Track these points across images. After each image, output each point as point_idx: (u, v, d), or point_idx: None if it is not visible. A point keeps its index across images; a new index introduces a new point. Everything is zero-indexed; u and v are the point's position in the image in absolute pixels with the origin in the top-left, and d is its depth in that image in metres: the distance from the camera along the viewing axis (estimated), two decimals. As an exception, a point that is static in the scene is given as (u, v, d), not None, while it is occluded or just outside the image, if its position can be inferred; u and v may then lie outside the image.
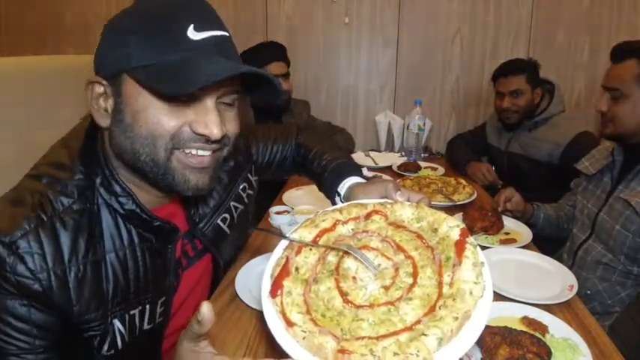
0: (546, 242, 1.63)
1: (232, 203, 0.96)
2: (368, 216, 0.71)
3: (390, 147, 2.59)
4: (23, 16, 2.69)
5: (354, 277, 0.61)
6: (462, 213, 1.45)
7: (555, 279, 1.11)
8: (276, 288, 0.60)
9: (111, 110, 0.69)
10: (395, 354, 0.49)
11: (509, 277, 1.10)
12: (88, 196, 0.71)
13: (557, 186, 1.68)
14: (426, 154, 2.47)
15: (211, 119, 0.67)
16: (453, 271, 0.58)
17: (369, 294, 0.59)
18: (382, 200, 0.75)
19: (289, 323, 0.55)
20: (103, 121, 0.70)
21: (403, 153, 2.40)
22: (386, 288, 0.59)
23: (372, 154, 2.35)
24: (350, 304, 0.57)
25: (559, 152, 1.88)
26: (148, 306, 0.78)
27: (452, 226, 0.64)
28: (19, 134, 1.13)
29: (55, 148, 0.77)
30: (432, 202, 1.54)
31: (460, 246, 0.61)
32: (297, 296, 0.59)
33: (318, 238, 0.67)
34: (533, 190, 1.96)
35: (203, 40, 0.65)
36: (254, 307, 0.95)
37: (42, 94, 1.24)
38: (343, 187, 0.92)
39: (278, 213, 1.44)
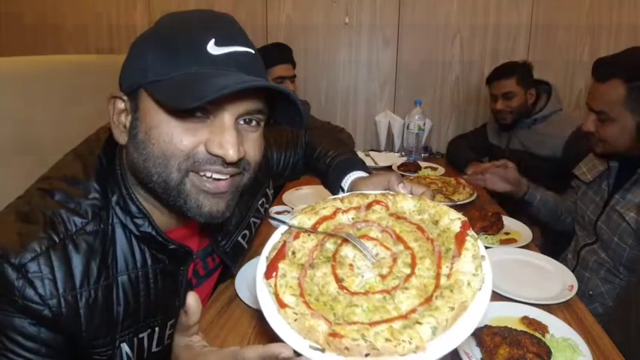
0: (548, 242, 1.63)
1: (252, 219, 0.95)
2: (369, 206, 0.70)
3: (390, 147, 2.59)
4: (23, 16, 2.69)
5: (350, 265, 0.61)
6: (461, 213, 1.45)
7: (555, 279, 1.10)
8: (271, 270, 0.59)
9: (128, 126, 0.67)
10: (387, 340, 0.48)
11: (509, 277, 1.10)
12: (103, 217, 0.68)
13: (560, 181, 1.68)
14: (426, 154, 2.47)
15: (227, 138, 0.63)
16: (452, 263, 0.58)
17: (365, 281, 0.59)
18: (384, 192, 0.75)
19: (282, 304, 0.55)
20: (122, 138, 0.68)
21: (403, 153, 2.40)
22: (383, 277, 0.59)
23: (372, 154, 2.35)
24: (345, 290, 0.57)
25: (561, 146, 1.90)
26: (157, 328, 0.77)
27: (453, 218, 0.65)
28: (19, 134, 1.13)
29: (68, 160, 0.73)
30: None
31: (460, 238, 0.62)
32: (292, 279, 0.58)
33: (317, 225, 0.67)
34: None
35: (224, 55, 0.63)
36: (254, 307, 0.95)
37: (42, 94, 1.24)
38: (347, 182, 0.91)
39: (278, 213, 1.44)
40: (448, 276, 0.56)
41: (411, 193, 0.74)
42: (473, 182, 1.79)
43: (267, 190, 1.02)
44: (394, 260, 0.61)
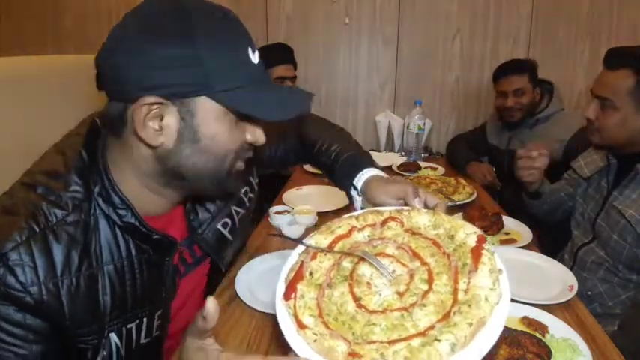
0: (547, 242, 1.63)
1: (234, 208, 0.95)
2: (384, 223, 0.71)
3: (390, 147, 2.59)
4: (23, 16, 2.69)
5: (368, 283, 0.61)
6: (461, 213, 1.45)
7: (555, 279, 1.10)
8: (289, 291, 0.61)
9: (175, 130, 0.67)
10: (406, 358, 0.49)
11: (510, 277, 1.10)
12: (84, 208, 0.69)
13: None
14: (426, 154, 2.47)
15: (260, 130, 0.75)
16: (469, 277, 0.57)
17: (383, 299, 0.59)
18: (399, 207, 0.76)
19: (301, 325, 0.55)
20: (157, 140, 0.67)
21: (403, 153, 2.40)
22: (400, 294, 0.59)
23: (372, 154, 2.33)
24: (363, 309, 0.57)
25: (562, 147, 1.89)
26: (145, 319, 0.77)
27: (469, 232, 0.65)
28: (19, 134, 1.13)
29: (50, 154, 0.74)
30: None
31: (477, 252, 0.62)
32: (310, 300, 0.59)
33: (333, 244, 0.68)
34: None
35: (259, 63, 0.71)
36: (254, 307, 0.95)
37: (42, 94, 1.24)
38: (360, 180, 0.92)
39: (278, 213, 1.44)
40: (465, 291, 0.56)
41: (426, 205, 0.77)
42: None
43: (251, 179, 1.01)
44: (411, 277, 0.61)
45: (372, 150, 2.50)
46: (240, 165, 0.76)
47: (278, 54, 2.12)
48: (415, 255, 0.64)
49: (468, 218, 1.38)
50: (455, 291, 0.57)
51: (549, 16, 2.48)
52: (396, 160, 2.23)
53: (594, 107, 1.26)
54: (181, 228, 0.86)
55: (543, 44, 2.51)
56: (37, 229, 0.64)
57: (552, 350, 0.79)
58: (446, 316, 0.53)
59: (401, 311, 0.56)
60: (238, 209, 0.96)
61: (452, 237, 0.66)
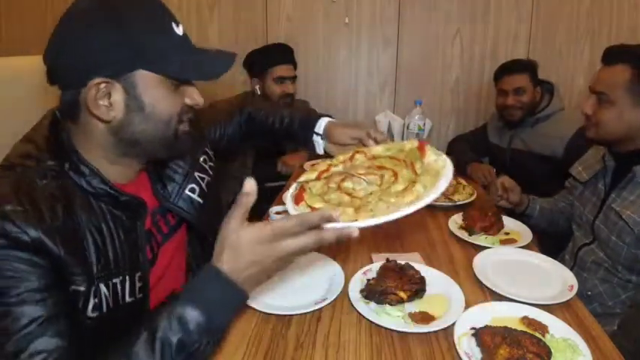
0: (547, 242, 1.63)
1: (197, 174, 1.02)
2: (351, 157, 0.95)
3: (390, 147, 2.59)
4: (23, 16, 2.69)
5: (353, 189, 0.83)
6: (462, 213, 1.45)
7: (555, 279, 1.11)
8: (298, 199, 0.81)
9: (122, 103, 0.76)
10: (397, 193, 0.76)
11: (509, 277, 1.11)
12: (60, 178, 0.76)
13: (560, 181, 1.68)
14: (426, 154, 2.46)
15: (197, 93, 0.85)
16: (422, 162, 0.85)
17: (367, 189, 0.82)
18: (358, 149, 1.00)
19: (314, 210, 0.76)
20: (108, 116, 0.76)
21: (403, 153, 2.40)
22: (378, 185, 0.82)
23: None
24: (356, 198, 0.79)
25: (562, 146, 1.90)
26: (127, 278, 0.82)
27: (412, 143, 0.92)
28: (19, 134, 1.13)
29: (20, 144, 0.81)
30: (432, 202, 1.54)
31: (421, 148, 0.89)
32: (316, 200, 0.80)
33: (319, 176, 0.91)
34: (537, 187, 1.98)
35: (184, 34, 0.80)
36: (254, 307, 0.95)
37: (42, 94, 1.24)
38: (320, 127, 1.17)
39: (278, 213, 1.44)
40: (421, 168, 0.83)
41: (376, 141, 1.03)
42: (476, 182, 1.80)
43: (207, 149, 1.11)
44: (381, 177, 0.84)
45: (372, 150, 2.50)
46: (184, 126, 0.85)
47: (278, 54, 2.12)
48: (380, 168, 0.88)
49: (468, 218, 1.38)
50: (414, 172, 0.83)
51: (549, 16, 2.48)
52: (396, 160, 2.23)
53: (591, 102, 1.27)
54: (151, 197, 0.93)
55: (543, 44, 2.51)
56: (23, 190, 0.71)
57: (552, 350, 0.79)
58: (414, 181, 0.80)
59: (382, 191, 0.79)
60: (202, 175, 1.04)
61: (401, 150, 0.93)
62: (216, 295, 0.66)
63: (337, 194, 0.81)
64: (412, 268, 1.03)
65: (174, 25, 0.78)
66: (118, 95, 0.75)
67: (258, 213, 1.55)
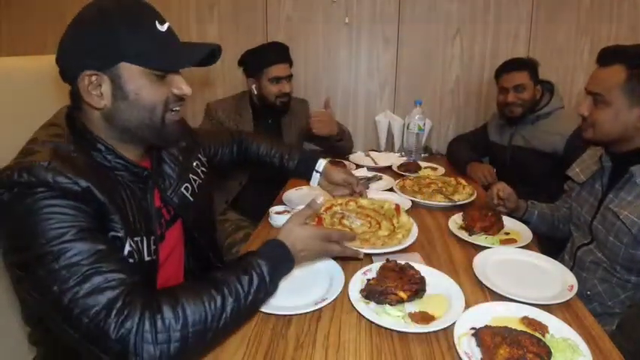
0: (547, 243, 1.63)
1: (191, 175, 1.15)
2: (347, 203, 1.44)
3: (390, 147, 2.59)
4: (23, 16, 2.69)
5: (350, 226, 1.31)
6: (462, 213, 1.45)
7: (555, 279, 1.11)
8: (318, 224, 1.28)
9: (110, 92, 0.86)
10: (384, 240, 1.23)
11: (510, 277, 1.11)
12: (86, 154, 0.87)
13: (561, 178, 1.68)
14: (426, 154, 2.47)
15: (184, 83, 0.93)
16: (398, 219, 1.36)
17: (361, 229, 1.30)
18: (348, 197, 1.48)
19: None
20: (99, 103, 0.87)
21: (403, 153, 2.40)
22: (368, 228, 1.31)
23: (372, 154, 2.34)
24: (355, 232, 1.25)
25: (563, 142, 1.91)
26: (144, 238, 0.91)
27: (390, 205, 1.43)
28: (19, 134, 1.13)
29: (44, 127, 0.90)
30: (432, 202, 1.56)
31: (397, 209, 1.40)
32: (329, 227, 1.29)
33: (326, 210, 1.39)
34: (537, 184, 1.99)
35: (167, 31, 0.89)
36: (254, 307, 0.95)
37: (42, 94, 1.24)
38: (320, 165, 1.48)
39: (278, 213, 1.44)
40: (397, 223, 1.33)
41: (361, 193, 1.50)
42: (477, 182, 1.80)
43: (200, 155, 1.24)
44: (369, 222, 1.33)
45: (372, 150, 2.50)
46: (172, 115, 0.93)
47: (272, 54, 2.09)
48: (366, 215, 1.37)
49: (468, 218, 1.38)
50: (393, 225, 1.33)
51: (549, 16, 2.48)
52: (396, 160, 2.23)
53: (587, 103, 1.27)
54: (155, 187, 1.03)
55: (543, 44, 2.51)
56: (60, 154, 0.81)
57: (552, 350, 0.80)
58: (393, 232, 1.28)
59: (372, 233, 1.27)
60: (195, 177, 1.16)
61: (382, 207, 1.43)
62: (280, 256, 0.94)
63: (340, 227, 1.29)
64: (412, 268, 1.04)
65: (157, 23, 0.87)
66: (106, 86, 0.86)
67: (259, 213, 1.56)
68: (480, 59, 2.57)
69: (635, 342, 0.99)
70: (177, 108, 0.95)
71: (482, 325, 0.87)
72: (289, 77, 2.12)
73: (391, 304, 0.95)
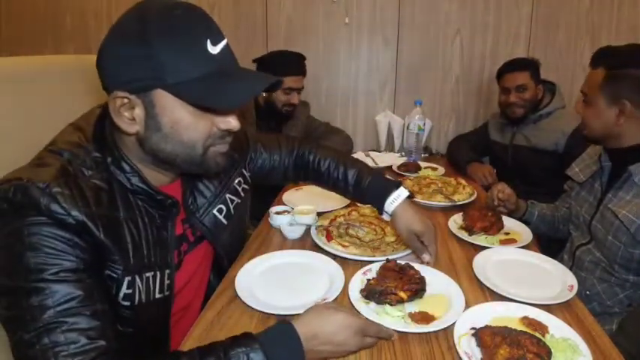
0: (546, 243, 1.63)
1: (228, 195, 1.04)
2: (349, 213, 1.46)
3: (390, 147, 2.59)
4: (23, 16, 2.69)
5: (357, 236, 1.31)
6: (462, 213, 1.45)
7: (555, 279, 1.11)
8: (328, 238, 1.27)
9: (143, 119, 0.76)
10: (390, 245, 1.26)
11: (510, 277, 1.11)
12: (105, 171, 0.79)
13: (561, 177, 1.68)
14: (426, 154, 2.47)
15: (232, 117, 0.80)
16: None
17: (368, 237, 1.30)
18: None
19: (344, 246, 1.23)
20: (131, 128, 0.77)
21: (403, 153, 2.40)
22: (374, 235, 1.32)
23: (372, 154, 2.34)
24: (363, 241, 1.27)
25: (564, 140, 1.93)
26: (158, 273, 0.84)
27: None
28: (19, 134, 1.13)
29: (68, 130, 0.83)
30: (432, 202, 1.56)
31: None
32: (339, 238, 1.28)
33: (331, 222, 1.38)
34: (538, 184, 2.00)
35: (220, 53, 0.75)
36: (254, 307, 0.95)
37: (42, 94, 1.24)
38: (390, 206, 1.13)
39: (278, 213, 1.44)
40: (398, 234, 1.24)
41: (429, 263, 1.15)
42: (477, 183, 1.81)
43: (244, 171, 1.11)
44: (374, 230, 1.34)
45: (372, 150, 2.50)
46: (219, 148, 0.83)
47: (292, 65, 2.08)
48: (369, 223, 1.38)
49: (468, 218, 1.38)
50: (397, 236, 1.27)
51: (549, 16, 2.48)
52: (396, 160, 2.23)
53: (579, 102, 1.36)
54: (182, 207, 0.95)
55: (543, 44, 2.51)
56: (69, 175, 0.74)
57: (552, 350, 0.79)
58: (399, 237, 1.24)
59: (380, 240, 1.29)
60: (233, 197, 1.05)
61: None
62: (285, 353, 0.73)
63: (348, 238, 1.28)
64: (412, 268, 1.03)
65: (209, 43, 0.73)
66: (139, 111, 0.76)
67: (259, 213, 1.56)
68: (480, 59, 2.57)
69: (636, 343, 0.99)
70: (224, 143, 0.84)
71: (482, 325, 0.87)
72: (300, 89, 2.12)
73: (391, 304, 0.94)
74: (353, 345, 0.79)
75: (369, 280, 1.02)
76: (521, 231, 1.39)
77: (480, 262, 1.16)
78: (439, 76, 2.63)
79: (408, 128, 2.32)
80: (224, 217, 1.02)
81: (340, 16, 2.57)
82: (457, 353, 0.81)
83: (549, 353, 0.78)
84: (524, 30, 2.51)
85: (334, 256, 1.17)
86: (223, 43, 0.76)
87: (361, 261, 1.16)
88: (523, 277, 1.12)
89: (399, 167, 2.11)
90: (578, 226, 1.45)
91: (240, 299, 0.97)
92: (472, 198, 1.64)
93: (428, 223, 1.12)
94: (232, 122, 0.80)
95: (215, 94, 0.73)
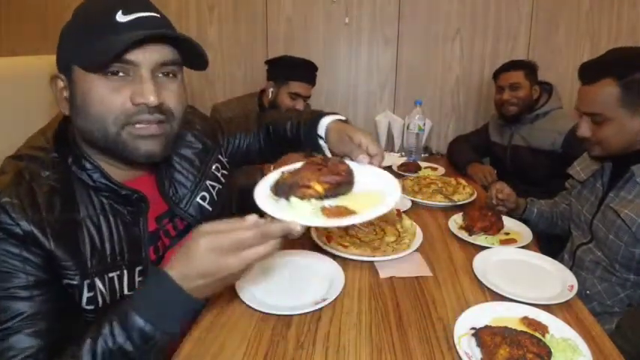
0: (546, 243, 1.63)
1: (209, 182, 1.02)
2: None
3: (390, 147, 2.59)
4: (23, 16, 2.69)
5: (357, 235, 1.29)
6: (462, 213, 1.45)
7: (555, 279, 1.11)
8: (329, 239, 1.24)
9: (68, 98, 0.78)
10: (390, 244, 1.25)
11: (510, 277, 1.11)
12: (63, 170, 0.78)
13: (560, 176, 1.68)
14: (426, 154, 2.47)
15: (146, 87, 0.74)
16: (400, 223, 1.37)
17: (368, 237, 1.29)
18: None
19: (345, 247, 1.21)
20: (65, 110, 0.80)
21: (403, 153, 2.40)
22: (375, 235, 1.31)
23: (372, 154, 2.34)
24: (364, 241, 1.26)
25: (561, 139, 1.94)
26: (125, 272, 0.82)
27: (392, 213, 1.39)
28: (19, 134, 1.13)
29: (34, 136, 0.85)
30: (432, 202, 1.56)
31: (399, 214, 1.41)
32: (340, 239, 1.26)
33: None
34: (537, 183, 2.01)
35: (131, 20, 0.72)
36: (254, 307, 0.95)
37: (42, 94, 1.24)
38: (322, 129, 1.00)
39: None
40: (401, 228, 1.35)
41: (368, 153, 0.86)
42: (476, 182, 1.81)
43: (220, 157, 1.09)
44: (374, 231, 1.33)
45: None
46: (137, 130, 0.76)
47: (304, 71, 2.09)
48: (371, 223, 1.35)
49: (468, 218, 1.38)
50: (397, 230, 1.33)
51: (549, 16, 2.48)
52: (396, 160, 2.23)
53: (586, 125, 1.25)
54: (159, 200, 0.93)
55: (543, 44, 2.51)
56: (23, 181, 0.74)
57: (552, 350, 0.79)
58: (399, 237, 1.29)
59: (380, 240, 1.27)
60: (213, 184, 1.03)
61: (385, 215, 1.15)
62: (162, 301, 0.65)
63: (348, 238, 1.26)
64: (343, 162, 0.79)
65: (120, 13, 0.72)
66: (66, 91, 0.78)
67: (258, 213, 1.56)
68: (479, 59, 2.58)
69: (633, 344, 0.99)
70: (144, 124, 0.76)
71: (482, 325, 0.87)
72: (307, 98, 2.12)
73: (302, 199, 0.71)
74: (233, 266, 0.63)
75: (282, 173, 0.78)
76: (521, 231, 1.39)
77: (479, 262, 1.16)
78: (439, 76, 2.63)
79: (408, 128, 2.33)
80: (208, 204, 1.00)
81: (340, 16, 2.57)
82: (457, 353, 0.81)
83: (549, 353, 0.78)
84: (524, 30, 2.51)
85: (334, 256, 1.17)
86: (142, 14, 0.74)
87: (361, 261, 1.16)
88: (523, 277, 1.12)
89: (399, 167, 2.11)
90: (578, 226, 1.44)
91: (241, 299, 0.97)
92: (472, 198, 1.65)
93: (364, 130, 0.93)
94: (146, 95, 0.73)
95: (100, 54, 0.70)
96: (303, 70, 2.10)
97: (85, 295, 0.75)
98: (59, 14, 2.67)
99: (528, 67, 2.06)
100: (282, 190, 0.72)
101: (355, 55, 2.64)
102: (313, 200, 0.70)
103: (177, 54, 0.79)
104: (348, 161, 0.81)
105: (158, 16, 0.77)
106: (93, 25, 0.73)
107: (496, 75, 2.15)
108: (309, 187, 0.71)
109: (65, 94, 0.79)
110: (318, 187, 0.71)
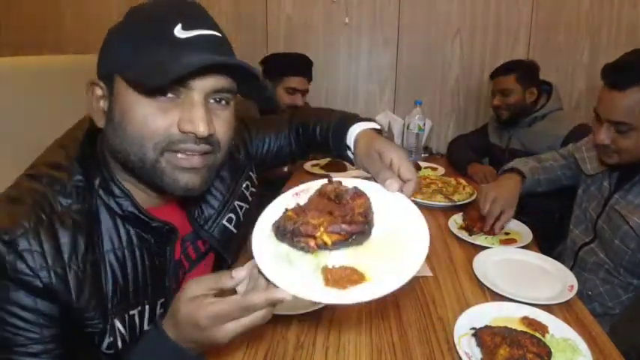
0: (546, 243, 1.63)
1: (237, 203, 0.95)
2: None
3: (390, 147, 2.59)
4: (23, 16, 2.69)
5: None
6: (461, 213, 1.45)
7: (555, 279, 1.11)
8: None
9: (106, 110, 0.70)
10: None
11: (509, 277, 1.11)
12: (86, 197, 0.71)
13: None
14: (426, 154, 2.47)
15: (197, 115, 0.65)
16: None
17: None
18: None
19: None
20: (100, 122, 0.71)
21: (403, 153, 2.40)
22: None
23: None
24: None
25: (558, 144, 1.90)
26: (147, 307, 0.77)
27: None
28: (19, 134, 1.13)
29: (52, 148, 0.77)
30: (432, 202, 1.56)
31: None
32: None
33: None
34: None
35: (190, 38, 0.65)
36: (254, 307, 0.95)
37: (42, 94, 1.24)
38: (350, 139, 0.86)
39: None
40: None
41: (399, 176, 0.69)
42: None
43: (251, 173, 1.01)
44: None
45: (372, 150, 2.50)
46: (178, 160, 0.68)
47: (296, 65, 2.09)
48: None
49: (468, 218, 1.38)
50: None
51: (549, 16, 2.48)
52: (396, 160, 2.23)
53: (607, 132, 1.20)
54: (183, 223, 0.86)
55: (543, 44, 2.51)
56: (44, 217, 0.66)
57: (552, 350, 0.80)
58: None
59: None
60: (242, 204, 0.96)
61: None
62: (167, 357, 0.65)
63: None
64: (360, 195, 0.65)
65: (179, 27, 0.65)
66: (104, 101, 0.70)
67: (258, 212, 1.55)
68: (479, 59, 2.57)
69: (629, 345, 0.99)
70: (186, 154, 0.68)
71: (482, 325, 0.87)
72: (305, 92, 2.12)
73: (305, 251, 0.60)
74: (218, 336, 0.60)
75: (286, 210, 0.65)
76: (521, 231, 1.39)
77: (480, 262, 1.16)
78: (439, 76, 2.63)
79: (408, 128, 2.33)
80: (234, 226, 0.93)
81: (340, 16, 2.57)
82: (457, 353, 0.81)
83: (549, 353, 0.78)
84: (524, 30, 2.51)
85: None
86: (203, 31, 0.66)
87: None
88: (523, 277, 1.12)
89: (399, 167, 2.10)
90: (582, 222, 1.43)
91: (240, 299, 0.97)
92: (472, 198, 1.64)
93: (399, 147, 0.78)
94: (196, 122, 0.65)
95: (152, 73, 0.61)
96: (295, 64, 2.10)
97: (106, 341, 0.71)
98: (60, 15, 2.67)
99: (522, 70, 2.02)
100: (282, 233, 0.62)
101: (355, 55, 2.63)
102: (318, 252, 0.60)
103: (233, 82, 0.71)
104: (371, 186, 0.68)
105: (219, 35, 0.69)
106: (147, 37, 0.65)
107: (491, 79, 2.16)
108: (314, 237, 0.60)
109: (102, 104, 0.70)
110: (326, 238, 0.60)
